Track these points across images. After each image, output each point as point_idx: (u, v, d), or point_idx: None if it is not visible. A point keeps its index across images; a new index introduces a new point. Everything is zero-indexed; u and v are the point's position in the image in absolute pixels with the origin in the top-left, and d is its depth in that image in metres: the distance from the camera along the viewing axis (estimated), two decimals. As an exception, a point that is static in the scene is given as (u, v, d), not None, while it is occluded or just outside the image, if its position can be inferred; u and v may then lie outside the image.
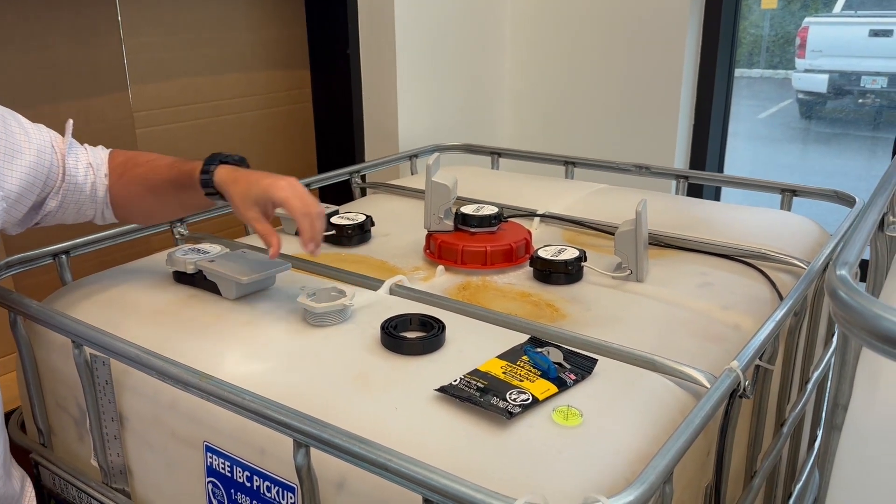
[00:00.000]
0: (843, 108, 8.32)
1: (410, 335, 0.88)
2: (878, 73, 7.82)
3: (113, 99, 1.57)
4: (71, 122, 0.98)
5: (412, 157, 1.76)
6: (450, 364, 0.84)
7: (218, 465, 0.82)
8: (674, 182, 1.59)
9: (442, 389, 0.77)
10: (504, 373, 0.80)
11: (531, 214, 1.37)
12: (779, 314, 0.89)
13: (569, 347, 0.86)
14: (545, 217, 1.36)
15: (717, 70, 1.96)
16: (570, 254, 1.11)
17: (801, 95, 8.48)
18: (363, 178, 1.66)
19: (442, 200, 1.18)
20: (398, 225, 1.36)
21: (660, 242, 1.23)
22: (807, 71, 8.29)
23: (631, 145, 2.05)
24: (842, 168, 6.79)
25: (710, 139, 2.02)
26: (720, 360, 0.92)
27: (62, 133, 0.97)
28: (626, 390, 0.80)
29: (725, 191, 2.21)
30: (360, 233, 1.27)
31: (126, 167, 1.00)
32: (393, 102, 1.87)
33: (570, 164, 1.68)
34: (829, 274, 0.50)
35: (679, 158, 2.02)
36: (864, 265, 1.15)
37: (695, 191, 1.96)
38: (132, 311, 1.01)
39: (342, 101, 1.90)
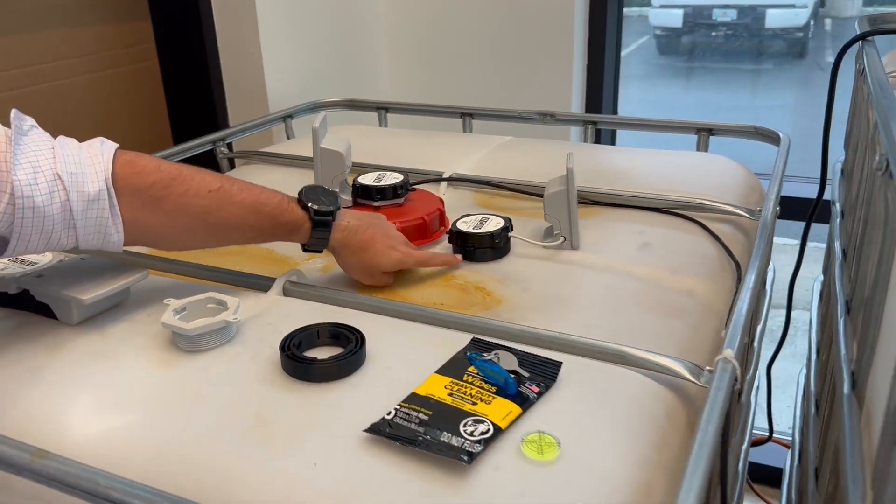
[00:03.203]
0: (698, 42, 8.64)
1: (320, 354, 0.68)
2: (727, 6, 8.14)
3: None
4: (15, 112, 0.68)
5: (286, 117, 1.52)
6: (376, 388, 0.65)
7: (74, 563, 0.60)
8: (581, 129, 1.45)
9: (373, 429, 0.59)
10: (450, 394, 0.62)
11: (441, 179, 1.18)
12: (750, 281, 0.77)
13: (520, 348, 0.69)
14: (457, 181, 1.18)
15: (609, 6, 1.83)
16: (495, 224, 0.95)
17: (658, 31, 8.72)
18: (230, 146, 1.41)
19: (335, 171, 0.98)
20: (281, 202, 1.14)
21: (586, 199, 1.09)
22: (662, 7, 8.51)
23: (525, 92, 1.90)
24: (702, 100, 7.05)
25: (604, 81, 1.90)
26: (687, 338, 0.79)
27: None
28: (596, 397, 0.65)
29: (621, 133, 2.12)
30: (235, 217, 1.04)
31: (166, 189, 0.73)
32: (257, 55, 1.60)
33: (467, 115, 1.51)
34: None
35: (575, 103, 1.89)
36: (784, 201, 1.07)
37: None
38: (-67, 353, 0.75)
39: (194, 57, 1.62)
